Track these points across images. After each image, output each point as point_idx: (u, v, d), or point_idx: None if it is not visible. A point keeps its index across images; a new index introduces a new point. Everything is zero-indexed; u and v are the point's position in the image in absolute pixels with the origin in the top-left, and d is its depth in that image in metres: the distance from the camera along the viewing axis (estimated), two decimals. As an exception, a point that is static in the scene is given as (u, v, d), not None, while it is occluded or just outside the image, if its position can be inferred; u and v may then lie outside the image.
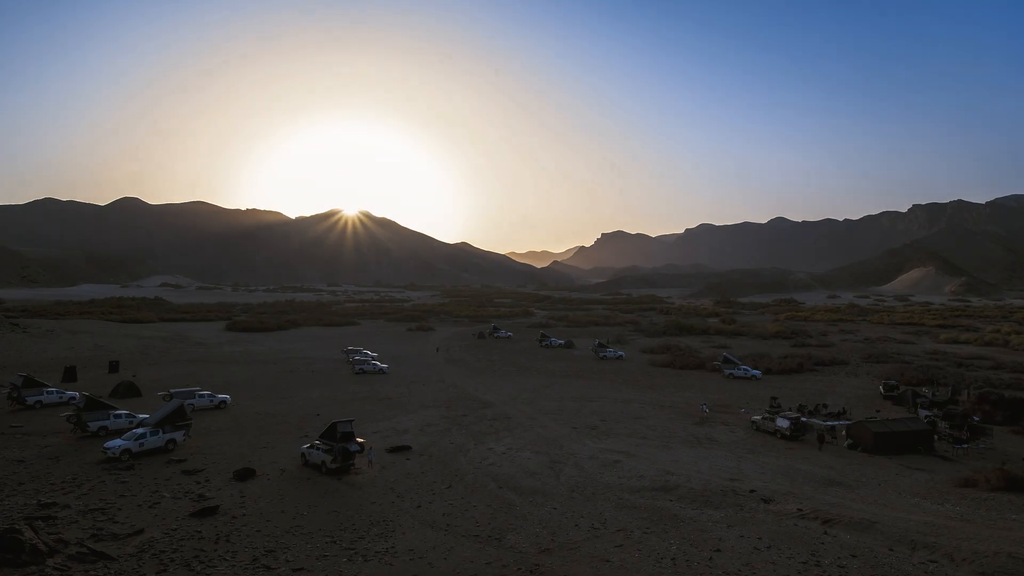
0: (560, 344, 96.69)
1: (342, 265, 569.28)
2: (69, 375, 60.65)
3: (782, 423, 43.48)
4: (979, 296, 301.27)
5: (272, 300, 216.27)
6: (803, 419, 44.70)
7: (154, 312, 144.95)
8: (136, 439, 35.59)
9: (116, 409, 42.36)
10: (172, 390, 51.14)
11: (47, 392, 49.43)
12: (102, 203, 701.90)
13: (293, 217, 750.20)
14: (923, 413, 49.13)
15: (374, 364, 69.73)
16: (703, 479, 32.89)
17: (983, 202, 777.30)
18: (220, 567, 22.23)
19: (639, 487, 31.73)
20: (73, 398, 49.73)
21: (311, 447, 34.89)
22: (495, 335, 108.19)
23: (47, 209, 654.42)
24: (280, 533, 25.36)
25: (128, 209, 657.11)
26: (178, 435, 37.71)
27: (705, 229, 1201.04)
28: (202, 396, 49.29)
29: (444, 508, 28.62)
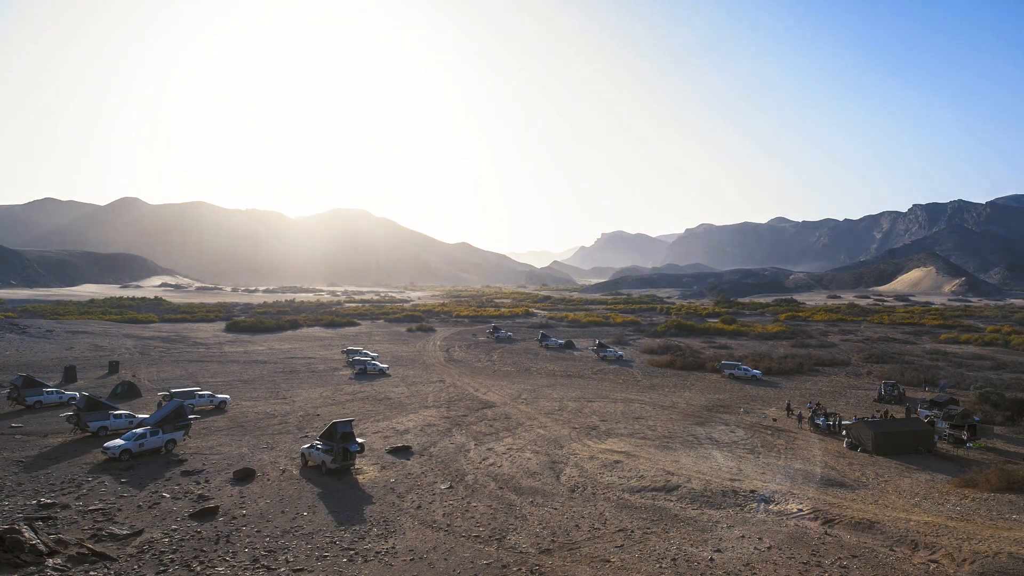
0: (560, 344, 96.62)
1: (342, 265, 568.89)
2: (69, 375, 60.62)
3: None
4: (979, 296, 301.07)
5: (272, 300, 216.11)
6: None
7: (154, 312, 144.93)
8: (136, 439, 35.59)
9: (116, 409, 42.35)
10: (172, 390, 51.14)
11: (47, 392, 49.39)
12: (102, 203, 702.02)
13: (293, 217, 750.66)
14: (923, 413, 49.16)
15: (374, 364, 69.66)
16: (703, 479, 32.87)
17: (983, 202, 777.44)
18: (220, 568, 22.21)
19: (639, 487, 31.72)
20: (73, 398, 49.70)
21: (311, 447, 34.88)
22: (495, 335, 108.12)
23: (47, 209, 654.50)
24: (280, 533, 25.35)
25: (128, 209, 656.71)
26: (178, 435, 37.74)
27: (705, 229, 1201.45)
28: (202, 396, 49.25)
29: (444, 508, 28.60)
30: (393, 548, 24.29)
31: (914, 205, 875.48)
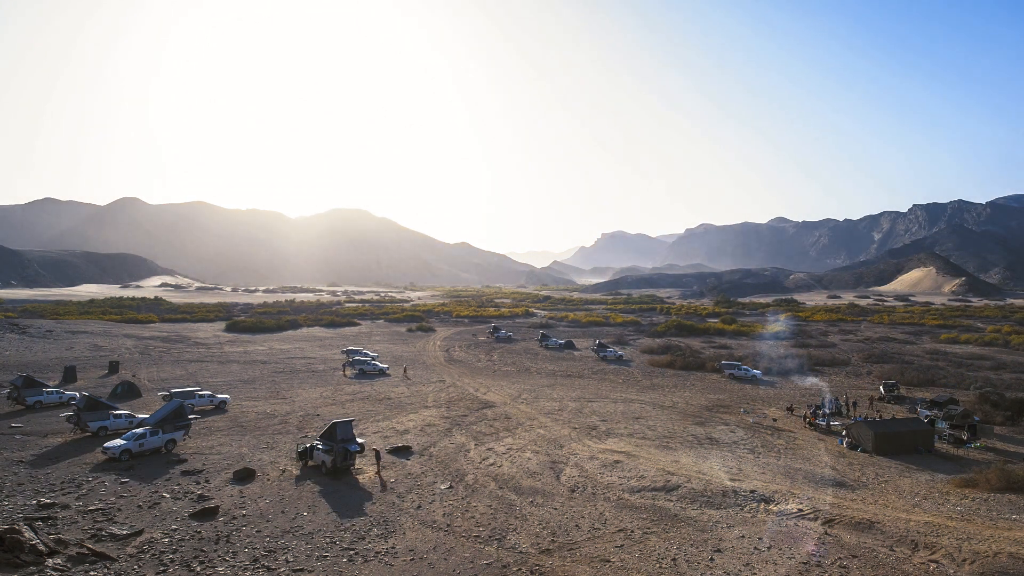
0: (560, 344, 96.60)
1: (342, 265, 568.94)
2: (69, 375, 60.60)
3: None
4: (979, 296, 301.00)
5: (272, 300, 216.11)
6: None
7: (154, 312, 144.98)
8: (136, 439, 35.60)
9: (116, 409, 42.35)
10: (172, 390, 51.13)
11: (47, 392, 49.37)
12: (102, 203, 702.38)
13: (293, 217, 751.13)
14: (923, 413, 49.16)
15: (374, 364, 69.66)
16: (704, 479, 32.87)
17: (983, 202, 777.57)
18: (220, 568, 22.21)
19: (640, 487, 31.72)
20: (73, 398, 49.70)
21: (311, 448, 34.86)
22: (495, 335, 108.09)
23: (47, 209, 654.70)
24: (280, 533, 25.35)
25: (128, 209, 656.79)
26: (178, 435, 37.75)
27: (705, 229, 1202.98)
28: (202, 396, 49.24)
29: (444, 508, 28.60)
30: (393, 548, 24.29)
31: (914, 205, 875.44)
